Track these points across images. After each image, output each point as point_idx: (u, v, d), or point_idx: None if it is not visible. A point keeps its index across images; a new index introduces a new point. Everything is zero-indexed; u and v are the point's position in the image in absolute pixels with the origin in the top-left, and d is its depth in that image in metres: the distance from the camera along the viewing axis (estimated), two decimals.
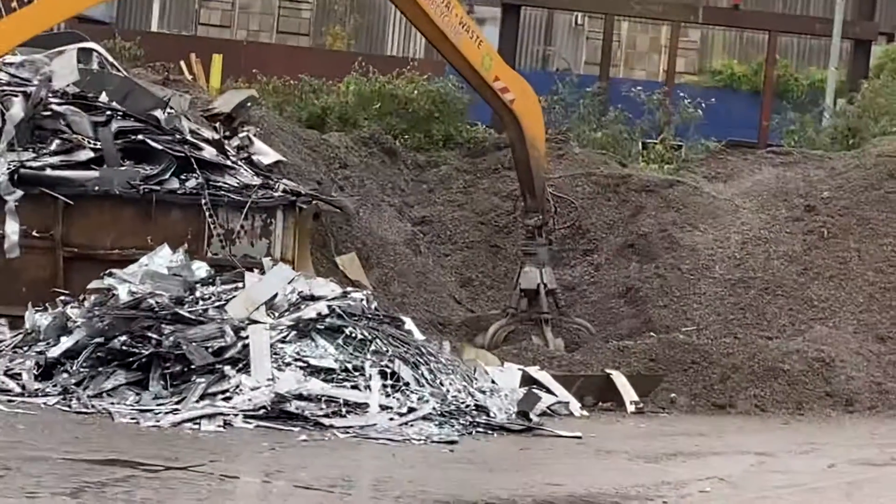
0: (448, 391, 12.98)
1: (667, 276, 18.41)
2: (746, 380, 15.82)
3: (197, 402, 12.10)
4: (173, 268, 13.78)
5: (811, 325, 17.53)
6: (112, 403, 12.12)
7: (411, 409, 12.47)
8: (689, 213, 19.34)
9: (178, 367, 12.43)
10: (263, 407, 12.09)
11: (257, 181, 15.59)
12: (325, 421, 12.08)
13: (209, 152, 15.74)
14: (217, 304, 13.22)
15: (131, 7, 42.34)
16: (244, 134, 17.25)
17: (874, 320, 17.66)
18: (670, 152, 23.16)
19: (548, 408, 14.08)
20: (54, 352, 12.77)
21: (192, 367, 12.41)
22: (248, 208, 15.11)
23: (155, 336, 12.64)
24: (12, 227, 14.60)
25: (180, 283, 13.47)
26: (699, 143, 24.13)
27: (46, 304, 13.66)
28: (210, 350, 12.59)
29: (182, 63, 21.70)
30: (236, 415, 11.97)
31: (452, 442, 12.06)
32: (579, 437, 12.89)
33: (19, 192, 14.64)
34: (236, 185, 15.38)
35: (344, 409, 12.28)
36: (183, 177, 15.24)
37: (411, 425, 12.24)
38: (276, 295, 13.34)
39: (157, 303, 13.03)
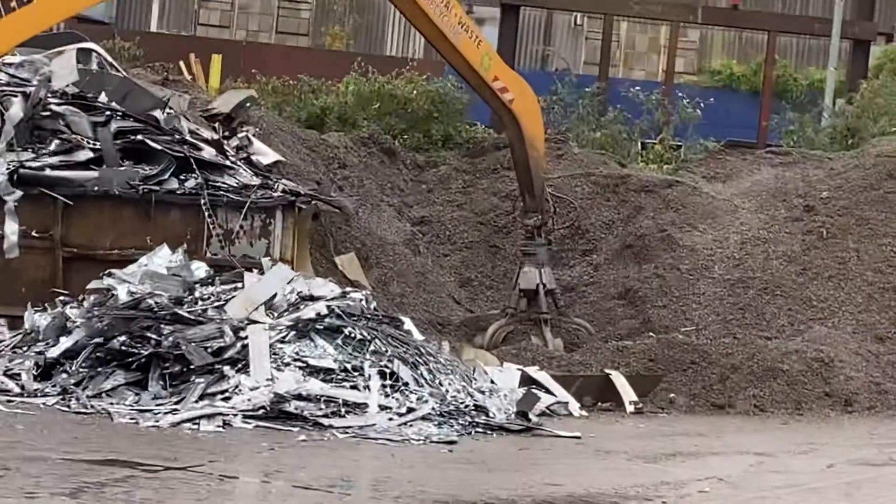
0: (447, 391, 12.97)
1: (666, 276, 18.40)
2: (745, 380, 15.81)
3: (196, 402, 12.09)
4: (172, 268, 13.76)
5: (810, 325, 17.52)
6: (111, 404, 12.12)
7: (410, 410, 12.46)
8: (688, 214, 19.33)
9: (178, 368, 12.42)
10: (262, 407, 12.08)
11: (256, 181, 15.58)
12: (325, 421, 12.08)
13: (208, 152, 15.73)
14: (216, 304, 13.22)
15: (130, 7, 42.35)
16: (243, 134, 17.25)
17: (873, 320, 17.65)
18: (669, 152, 23.16)
19: (547, 408, 14.07)
20: (53, 352, 12.76)
21: (192, 367, 12.40)
22: (247, 208, 15.10)
23: (154, 336, 12.63)
24: (11, 228, 14.59)
25: (179, 284, 13.46)
26: (698, 143, 24.14)
27: (46, 305, 13.64)
28: (209, 350, 12.58)
29: (181, 63, 21.67)
30: (235, 415, 11.96)
31: (451, 442, 12.05)
32: (578, 438, 12.88)
33: (19, 193, 14.62)
34: (235, 185, 15.37)
35: (343, 410, 12.27)
36: (182, 177, 15.23)
37: (410, 425, 12.23)
38: (275, 295, 13.33)
39: (156, 303, 13.02)
